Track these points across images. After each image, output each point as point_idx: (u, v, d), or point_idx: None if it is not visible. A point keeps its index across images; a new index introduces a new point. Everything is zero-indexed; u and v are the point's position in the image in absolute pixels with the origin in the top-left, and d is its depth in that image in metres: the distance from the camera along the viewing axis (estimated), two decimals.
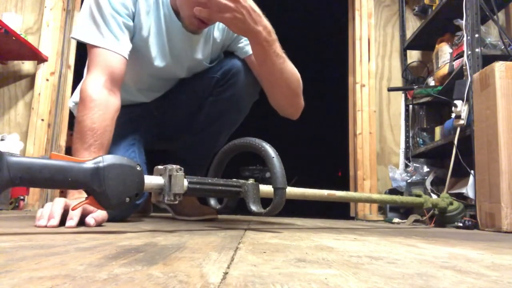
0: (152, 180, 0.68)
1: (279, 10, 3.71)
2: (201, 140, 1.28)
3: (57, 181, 0.58)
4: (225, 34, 1.20)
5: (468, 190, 1.59)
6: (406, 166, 2.22)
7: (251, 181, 0.86)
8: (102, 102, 0.94)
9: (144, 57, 1.11)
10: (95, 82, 0.95)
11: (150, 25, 1.08)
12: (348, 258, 0.44)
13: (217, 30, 1.18)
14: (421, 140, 2.22)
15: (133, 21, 1.05)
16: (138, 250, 0.44)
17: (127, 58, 1.01)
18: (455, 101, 1.62)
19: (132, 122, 1.22)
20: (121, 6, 1.01)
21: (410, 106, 2.35)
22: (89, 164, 0.61)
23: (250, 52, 1.14)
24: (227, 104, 1.21)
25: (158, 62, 1.13)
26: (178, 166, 0.70)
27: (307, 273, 0.34)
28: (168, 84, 1.26)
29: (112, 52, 0.98)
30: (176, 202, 0.70)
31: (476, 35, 1.60)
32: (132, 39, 1.06)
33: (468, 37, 1.64)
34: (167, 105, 1.28)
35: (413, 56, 2.49)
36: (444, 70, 1.95)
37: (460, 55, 1.81)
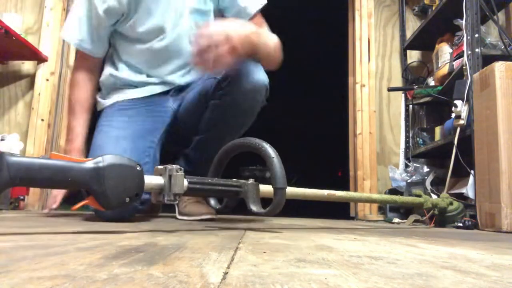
0: (152, 180, 0.68)
1: (279, 10, 3.71)
2: (207, 140, 1.26)
3: (57, 181, 0.58)
4: None
5: (468, 190, 1.59)
6: (406, 166, 2.22)
7: (251, 181, 0.86)
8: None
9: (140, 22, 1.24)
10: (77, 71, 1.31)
11: None
12: (348, 258, 0.44)
13: None
14: (421, 140, 2.22)
15: None
16: (138, 250, 0.44)
17: (101, 56, 1.31)
18: (455, 101, 1.62)
19: (155, 121, 1.28)
20: None
21: (410, 106, 2.35)
22: (89, 164, 0.61)
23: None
24: (229, 109, 1.18)
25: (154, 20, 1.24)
26: (178, 166, 0.70)
27: (307, 273, 0.34)
28: (174, 55, 1.31)
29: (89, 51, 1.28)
30: (176, 202, 0.70)
31: (476, 35, 1.60)
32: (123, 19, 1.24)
33: (468, 37, 1.63)
34: (182, 106, 1.32)
35: (413, 56, 2.49)
36: (444, 70, 1.95)
37: (460, 55, 1.80)
